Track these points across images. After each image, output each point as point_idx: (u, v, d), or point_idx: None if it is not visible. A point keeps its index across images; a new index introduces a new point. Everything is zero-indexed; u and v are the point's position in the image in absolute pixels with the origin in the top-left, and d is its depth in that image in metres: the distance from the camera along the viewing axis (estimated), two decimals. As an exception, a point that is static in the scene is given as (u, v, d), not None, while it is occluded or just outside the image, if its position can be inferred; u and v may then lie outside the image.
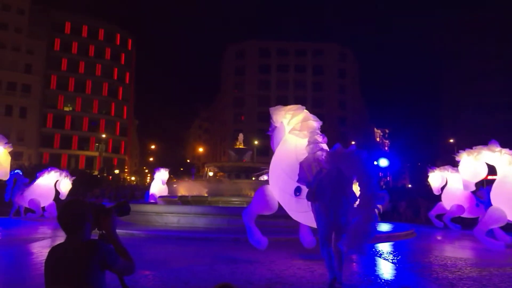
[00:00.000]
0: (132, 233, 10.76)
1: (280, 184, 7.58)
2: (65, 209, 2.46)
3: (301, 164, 6.64)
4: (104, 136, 58.86)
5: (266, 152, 61.29)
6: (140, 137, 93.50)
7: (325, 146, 6.93)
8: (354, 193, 5.66)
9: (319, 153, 6.59)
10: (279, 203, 7.73)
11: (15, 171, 18.31)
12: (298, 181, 6.57)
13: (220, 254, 8.41)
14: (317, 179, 6.03)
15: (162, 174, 19.65)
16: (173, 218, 12.79)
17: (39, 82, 57.81)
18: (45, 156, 55.64)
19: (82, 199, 2.72)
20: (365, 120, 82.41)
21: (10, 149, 12.66)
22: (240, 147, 19.73)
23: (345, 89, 69.12)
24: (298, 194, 6.93)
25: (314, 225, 6.38)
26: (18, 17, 56.75)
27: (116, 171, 58.37)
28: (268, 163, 9.00)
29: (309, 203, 6.16)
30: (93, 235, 2.52)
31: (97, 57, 63.34)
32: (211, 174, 23.99)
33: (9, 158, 12.81)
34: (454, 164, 12.95)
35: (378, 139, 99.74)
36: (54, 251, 2.42)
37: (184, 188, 18.27)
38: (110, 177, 51.44)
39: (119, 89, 65.82)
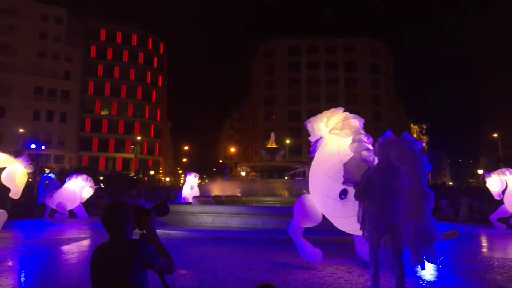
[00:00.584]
0: (169, 232, 10.97)
1: (322, 189, 6.81)
2: (108, 210, 2.53)
3: (345, 165, 6.01)
4: (139, 138, 60.52)
5: (298, 151, 60.90)
6: (173, 138, 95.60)
7: (370, 147, 6.21)
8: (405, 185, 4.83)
9: (365, 152, 5.96)
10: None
11: (47, 174, 19.25)
12: (344, 182, 5.90)
13: (256, 253, 8.39)
14: (365, 176, 5.46)
15: (191, 179, 19.88)
16: (208, 218, 12.92)
17: (77, 88, 60.28)
18: (84, 159, 57.90)
19: (123, 200, 2.77)
20: (401, 115, 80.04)
21: (31, 171, 13.02)
22: (272, 146, 19.66)
23: (379, 84, 67.09)
24: (343, 197, 6.24)
25: (359, 232, 5.66)
26: (56, 27, 59.43)
27: (151, 172, 59.82)
28: (300, 162, 8.80)
29: (356, 205, 5.55)
30: (134, 235, 2.57)
31: (131, 62, 65.23)
32: (243, 174, 24.08)
33: (25, 179, 13.07)
34: (499, 161, 12.77)
35: (415, 135, 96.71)
36: (99, 250, 2.50)
37: (217, 188, 18.45)
38: (146, 178, 52.78)
39: (152, 92, 67.46)
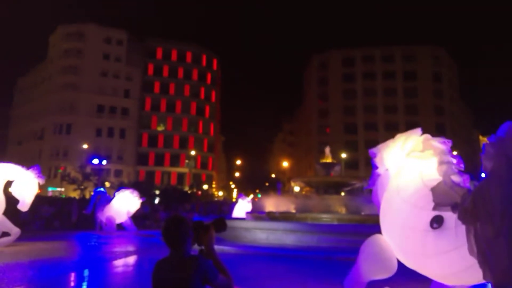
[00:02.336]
0: (223, 248, 10.86)
1: (403, 221, 4.99)
2: (169, 225, 2.55)
3: (433, 190, 4.46)
4: (193, 153, 62.33)
5: (355, 166, 58.98)
6: (226, 152, 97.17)
7: (461, 170, 4.68)
8: None
9: (456, 177, 4.45)
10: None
11: (99, 189, 20.03)
12: (435, 207, 4.30)
13: (312, 273, 8.03)
14: (471, 191, 3.91)
15: (243, 204, 19.74)
16: (262, 234, 12.69)
17: (136, 105, 63.85)
18: (141, 173, 60.62)
19: (182, 215, 2.71)
20: (467, 126, 75.16)
21: (42, 182, 12.72)
22: (327, 160, 19.12)
23: (442, 94, 63.60)
24: (436, 226, 4.44)
25: (468, 277, 3.97)
26: (117, 48, 63.86)
27: (205, 187, 61.06)
28: (357, 177, 8.17)
29: (458, 234, 3.92)
30: (193, 250, 2.59)
31: (186, 78, 67.96)
32: (297, 189, 23.65)
33: (36, 191, 12.64)
34: None
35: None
36: (160, 265, 2.55)
37: (270, 204, 18.17)
38: (199, 192, 53.87)
39: (206, 108, 69.52)
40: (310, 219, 14.09)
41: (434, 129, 56.26)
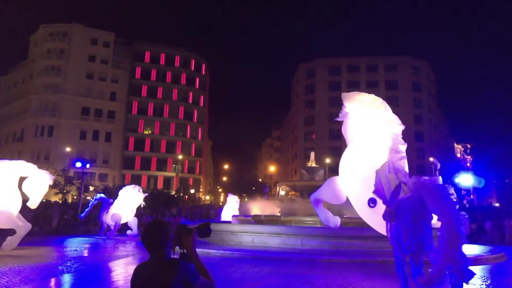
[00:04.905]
0: (208, 251, 11.05)
1: (353, 189, 7.78)
2: (150, 229, 2.56)
3: (377, 172, 6.46)
4: (180, 157, 62.10)
5: (338, 170, 59.69)
6: (214, 157, 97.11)
7: (403, 148, 7.09)
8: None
9: (397, 164, 6.56)
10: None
11: (99, 195, 19.85)
12: (374, 192, 6.39)
13: (296, 275, 8.26)
14: (396, 200, 5.88)
15: (232, 202, 19.82)
16: (247, 238, 12.90)
17: (122, 108, 63.25)
18: (127, 177, 59.95)
19: (163, 219, 2.83)
20: (444, 134, 77.04)
21: (51, 183, 12.75)
22: (312, 165, 19.49)
23: (421, 103, 65.53)
24: (372, 205, 6.90)
25: (382, 231, 6.47)
26: (104, 50, 63.16)
27: (192, 191, 60.81)
28: None
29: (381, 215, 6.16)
30: (174, 254, 2.61)
31: (174, 83, 67.73)
32: (283, 193, 23.94)
33: (47, 190, 12.68)
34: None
35: (459, 155, 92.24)
36: (139, 270, 2.53)
37: (257, 207, 18.42)
38: (186, 196, 53.63)
39: (194, 112, 69.42)
40: (295, 222, 14.36)
41: (413, 137, 57.55)
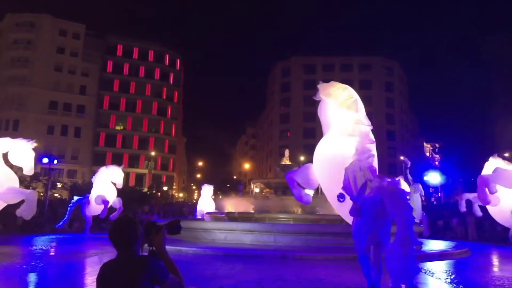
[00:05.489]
0: (180, 249, 10.92)
1: (324, 183, 8.43)
2: (117, 225, 2.49)
3: (346, 170, 7.08)
4: (153, 153, 61.05)
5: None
6: (188, 154, 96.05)
7: (374, 147, 7.62)
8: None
9: (364, 163, 7.10)
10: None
11: (75, 199, 19.16)
12: (342, 188, 7.08)
13: (268, 271, 8.28)
14: (362, 198, 6.56)
15: (207, 190, 20.14)
16: (220, 235, 12.85)
17: (93, 103, 61.41)
18: (97, 174, 58.27)
19: (132, 216, 2.73)
20: (414, 134, 79.33)
21: (33, 146, 13.01)
22: (287, 163, 19.61)
23: (393, 103, 67.18)
24: (341, 200, 7.59)
25: (349, 220, 7.25)
26: (74, 42, 60.97)
27: (165, 188, 60.00)
28: None
29: (349, 208, 6.81)
30: (143, 251, 2.55)
31: (147, 77, 66.39)
32: (257, 190, 24.00)
33: (33, 154, 13.08)
34: None
35: (428, 154, 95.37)
36: (107, 267, 2.44)
37: (231, 205, 18.38)
38: (159, 193, 52.90)
39: (168, 108, 68.38)
40: (268, 219, 14.40)
41: (385, 136, 59.06)
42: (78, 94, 60.33)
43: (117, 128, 63.68)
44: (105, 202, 17.87)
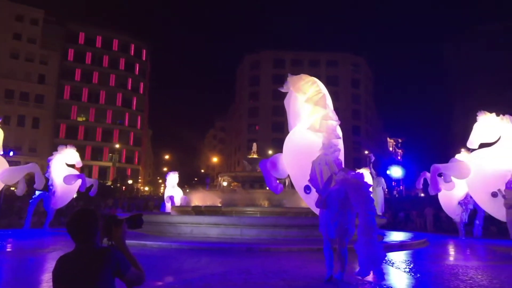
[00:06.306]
0: (145, 243, 10.69)
1: (293, 175, 8.74)
2: (77, 217, 2.40)
3: (313, 163, 7.33)
4: (117, 146, 59.34)
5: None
6: (154, 147, 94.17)
7: (340, 143, 7.94)
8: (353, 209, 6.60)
9: (330, 157, 7.40)
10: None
11: (37, 194, 18.36)
12: (309, 181, 7.32)
13: (234, 264, 8.27)
14: (327, 190, 6.83)
15: (172, 178, 20.11)
16: (186, 229, 12.70)
17: (52, 93, 58.53)
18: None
19: (92, 208, 2.62)
20: (379, 129, 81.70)
21: None
22: (254, 156, 19.65)
23: (359, 99, 68.77)
24: (308, 192, 7.86)
25: (316, 211, 7.60)
26: (31, 28, 57.60)
27: (130, 181, 58.67)
28: None
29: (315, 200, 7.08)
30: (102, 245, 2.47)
31: (111, 68, 64.10)
32: (225, 184, 23.93)
33: (1, 133, 13.22)
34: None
35: (391, 149, 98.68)
36: (64, 260, 2.35)
37: (198, 198, 18.23)
38: (124, 187, 51.70)
39: (134, 99, 66.51)
40: (235, 212, 14.39)
41: (351, 131, 60.50)
42: (37, 83, 57.35)
43: (79, 119, 61.37)
44: (79, 176, 17.80)
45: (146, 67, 70.32)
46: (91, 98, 62.18)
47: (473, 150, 13.29)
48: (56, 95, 58.98)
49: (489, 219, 15.73)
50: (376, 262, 5.95)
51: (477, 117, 12.94)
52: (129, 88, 65.71)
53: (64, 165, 17.90)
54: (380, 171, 24.93)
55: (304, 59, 67.88)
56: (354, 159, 52.86)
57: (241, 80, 73.23)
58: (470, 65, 57.56)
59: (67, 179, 17.16)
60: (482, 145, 13.06)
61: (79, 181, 17.63)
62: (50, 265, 8.32)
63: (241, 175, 20.15)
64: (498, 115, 12.56)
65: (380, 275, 6.07)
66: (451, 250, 13.05)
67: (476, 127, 12.81)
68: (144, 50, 69.40)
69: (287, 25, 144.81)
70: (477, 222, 15.72)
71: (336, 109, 9.09)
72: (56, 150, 18.90)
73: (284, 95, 10.02)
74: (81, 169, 59.24)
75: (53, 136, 57.83)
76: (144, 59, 69.35)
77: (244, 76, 71.26)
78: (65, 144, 20.01)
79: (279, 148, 9.67)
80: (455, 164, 13.58)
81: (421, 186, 16.63)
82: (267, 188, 18.40)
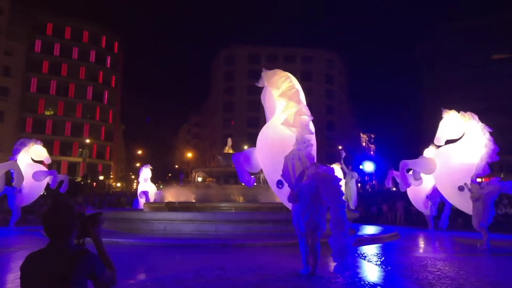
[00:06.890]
0: (117, 241, 10.47)
1: (266, 169, 8.82)
2: (53, 213, 2.27)
3: (286, 158, 7.49)
4: (88, 141, 57.70)
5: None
6: (126, 142, 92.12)
7: (313, 138, 8.09)
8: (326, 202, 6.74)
9: (303, 152, 7.55)
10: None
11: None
12: (282, 176, 7.49)
13: (207, 260, 8.20)
14: (299, 185, 6.95)
15: (146, 173, 19.81)
16: (159, 225, 12.51)
17: (18, 85, 56.06)
18: (25, 162, 54.04)
19: (71, 205, 2.51)
20: (352, 125, 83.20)
21: None
22: (229, 152, 19.52)
23: (333, 95, 69.86)
24: (280, 187, 8.01)
25: (289, 205, 7.76)
26: (-4, 18, 55.20)
27: (101, 177, 57.25)
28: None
29: (287, 195, 7.23)
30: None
31: (81, 60, 61.95)
32: (199, 179, 23.70)
33: None
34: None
35: (364, 144, 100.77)
36: (34, 257, 2.21)
37: (171, 194, 17.98)
38: (95, 183, 50.38)
39: (105, 93, 64.72)
40: (210, 208, 14.27)
41: (325, 127, 61.33)
42: (1, 75, 54.85)
43: (47, 113, 59.25)
44: (50, 172, 17.19)
45: (118, 60, 68.59)
46: (59, 91, 60.09)
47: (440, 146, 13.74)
48: (22, 88, 56.64)
49: (456, 212, 16.31)
50: (342, 253, 6.13)
51: (442, 115, 13.38)
52: (100, 81, 63.93)
53: (31, 161, 17.18)
54: (353, 165, 25.42)
55: (279, 54, 68.10)
56: (327, 154, 53.60)
57: (216, 74, 72.71)
58: (439, 63, 59.29)
59: (37, 175, 16.50)
60: (449, 142, 13.51)
61: (49, 178, 16.99)
62: (16, 264, 7.99)
63: (216, 170, 20.00)
64: (458, 112, 12.98)
65: (344, 267, 6.21)
66: (421, 243, 13.48)
67: (441, 125, 13.25)
68: (116, 43, 67.65)
69: (263, 20, 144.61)
70: (443, 215, 16.29)
71: (310, 104, 9.23)
72: (18, 144, 17.92)
73: (260, 90, 10.01)
74: (49, 165, 57.70)
75: (19, 131, 55.51)
76: (116, 51, 67.59)
77: (219, 71, 70.78)
78: (31, 138, 19.09)
79: (254, 143, 9.59)
80: (422, 160, 14.08)
81: (390, 185, 17.12)
82: (242, 183, 18.49)
